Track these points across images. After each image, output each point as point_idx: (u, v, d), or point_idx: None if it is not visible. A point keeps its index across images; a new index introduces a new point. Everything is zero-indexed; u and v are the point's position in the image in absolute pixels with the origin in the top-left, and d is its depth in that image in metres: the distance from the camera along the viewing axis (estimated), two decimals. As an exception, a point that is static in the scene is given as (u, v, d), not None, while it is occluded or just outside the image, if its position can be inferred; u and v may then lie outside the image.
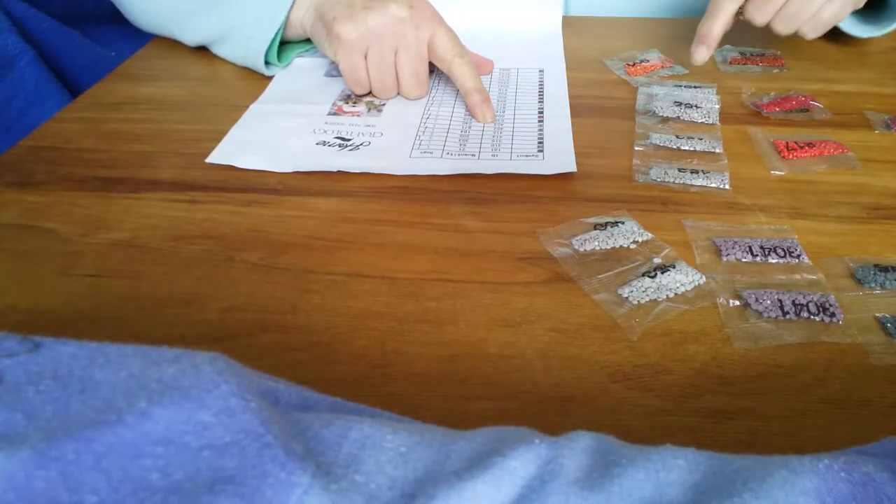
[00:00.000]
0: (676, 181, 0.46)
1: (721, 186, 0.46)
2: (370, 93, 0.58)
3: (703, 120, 0.54)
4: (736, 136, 0.52)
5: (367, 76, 0.56)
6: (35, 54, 0.66)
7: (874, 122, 0.53)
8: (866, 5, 0.60)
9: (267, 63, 0.61)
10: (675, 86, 0.59)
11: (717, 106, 0.55)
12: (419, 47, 0.54)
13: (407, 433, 0.21)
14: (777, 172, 0.48)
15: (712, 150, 0.50)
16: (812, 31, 0.56)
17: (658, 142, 0.51)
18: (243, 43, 0.60)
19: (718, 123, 0.54)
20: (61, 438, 0.17)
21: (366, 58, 0.55)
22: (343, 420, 0.21)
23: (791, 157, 0.49)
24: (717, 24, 0.55)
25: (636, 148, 0.51)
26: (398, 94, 0.57)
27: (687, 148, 0.50)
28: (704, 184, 0.46)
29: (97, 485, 0.17)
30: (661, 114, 0.55)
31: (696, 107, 0.55)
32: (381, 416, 0.24)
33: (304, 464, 0.19)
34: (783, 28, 0.55)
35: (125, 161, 0.50)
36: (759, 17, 0.55)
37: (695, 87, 0.59)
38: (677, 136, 0.51)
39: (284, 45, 0.63)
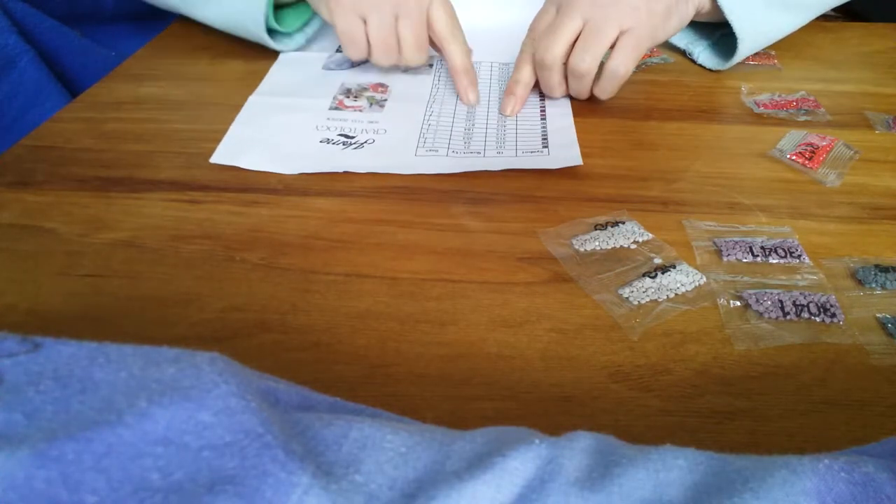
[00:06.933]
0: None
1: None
2: (366, 61, 0.57)
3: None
4: (740, 134, 0.52)
5: (364, 37, 0.55)
6: (35, 54, 0.65)
7: (874, 122, 0.53)
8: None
9: (272, 35, 0.61)
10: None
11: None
12: (420, 14, 0.54)
13: (407, 433, 0.21)
14: (832, 184, 0.46)
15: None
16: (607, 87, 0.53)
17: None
18: (240, 5, 0.60)
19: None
20: (61, 438, 0.17)
21: (365, 23, 0.54)
22: (343, 420, 0.21)
23: (816, 166, 0.48)
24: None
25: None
26: (397, 62, 0.57)
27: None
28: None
29: (97, 485, 0.17)
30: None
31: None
32: (381, 416, 0.24)
33: (304, 464, 0.19)
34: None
35: (125, 161, 0.50)
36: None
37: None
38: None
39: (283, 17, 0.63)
